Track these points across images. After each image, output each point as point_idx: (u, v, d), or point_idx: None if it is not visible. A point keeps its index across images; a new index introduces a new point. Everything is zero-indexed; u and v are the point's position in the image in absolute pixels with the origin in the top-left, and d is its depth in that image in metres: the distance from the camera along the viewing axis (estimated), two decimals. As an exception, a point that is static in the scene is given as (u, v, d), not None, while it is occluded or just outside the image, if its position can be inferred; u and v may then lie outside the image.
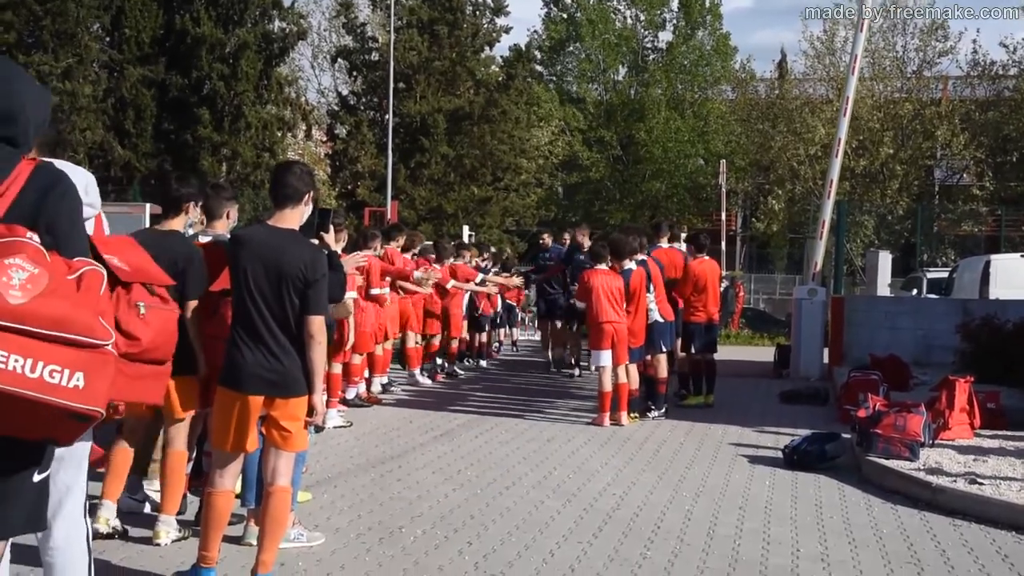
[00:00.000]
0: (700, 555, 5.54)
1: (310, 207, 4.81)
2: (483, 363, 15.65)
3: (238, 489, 5.12)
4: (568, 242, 14.74)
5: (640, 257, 10.23)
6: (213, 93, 24.96)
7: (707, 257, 11.46)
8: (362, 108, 31.54)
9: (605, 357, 9.78)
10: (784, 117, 36.51)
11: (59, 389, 2.45)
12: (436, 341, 13.23)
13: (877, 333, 13.73)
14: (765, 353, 17.90)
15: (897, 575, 5.27)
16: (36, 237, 2.62)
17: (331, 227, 5.65)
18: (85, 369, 2.50)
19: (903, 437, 7.53)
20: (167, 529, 5.41)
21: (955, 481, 6.87)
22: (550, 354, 15.09)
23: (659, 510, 6.52)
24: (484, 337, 15.87)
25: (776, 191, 36.11)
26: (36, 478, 2.76)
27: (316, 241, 5.07)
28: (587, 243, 13.06)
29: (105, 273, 2.72)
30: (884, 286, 18.77)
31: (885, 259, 18.93)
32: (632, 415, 10.11)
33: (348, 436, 8.88)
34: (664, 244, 11.80)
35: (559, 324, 14.69)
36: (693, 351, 11.41)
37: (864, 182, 34.51)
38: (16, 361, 2.41)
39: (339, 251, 6.12)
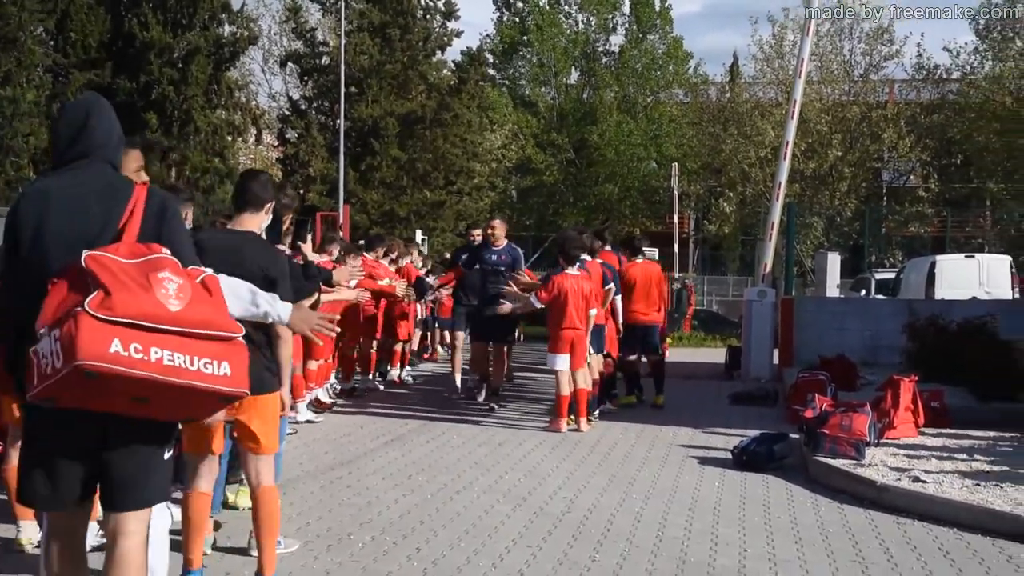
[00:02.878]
0: (649, 557, 5.56)
1: (270, 216, 4.93)
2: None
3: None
4: (477, 239, 11.92)
5: (584, 257, 10.25)
6: (162, 98, 24.69)
7: (641, 260, 11.57)
8: (313, 112, 31.37)
9: (563, 361, 9.75)
10: (735, 120, 36.90)
11: (213, 377, 3.02)
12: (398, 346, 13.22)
13: (826, 334, 13.89)
14: (717, 355, 18.06)
15: (842, 573, 5.33)
16: (168, 252, 3.14)
17: (308, 237, 5.69)
18: (229, 358, 3.07)
19: (849, 437, 7.62)
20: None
21: (899, 479, 6.96)
22: (457, 377, 12.41)
23: (609, 512, 6.54)
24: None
25: (727, 193, 36.49)
26: (166, 456, 3.32)
27: (290, 251, 5.11)
28: (500, 239, 11.15)
29: (218, 278, 3.26)
30: (833, 287, 19.01)
31: (834, 260, 19.17)
32: (590, 418, 10.13)
33: (297, 442, 8.81)
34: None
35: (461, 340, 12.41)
36: (628, 353, 11.52)
37: (813, 184, 34.97)
38: (180, 357, 2.95)
39: (316, 260, 6.17)
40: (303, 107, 31.95)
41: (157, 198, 3.33)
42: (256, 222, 4.82)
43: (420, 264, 14.21)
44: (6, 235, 3.34)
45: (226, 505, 6.26)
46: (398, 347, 13.33)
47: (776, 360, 14.80)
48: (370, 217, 28.60)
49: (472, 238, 12.26)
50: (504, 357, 11.48)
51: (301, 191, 30.04)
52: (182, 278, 3.06)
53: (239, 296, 3.95)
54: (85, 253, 3.00)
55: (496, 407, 10.90)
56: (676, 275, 29.29)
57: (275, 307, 4.12)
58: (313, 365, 10.15)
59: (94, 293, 2.91)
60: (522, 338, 20.03)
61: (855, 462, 7.47)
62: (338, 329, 5.12)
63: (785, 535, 6.07)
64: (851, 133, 35.32)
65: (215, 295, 3.16)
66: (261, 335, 4.61)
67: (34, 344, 2.99)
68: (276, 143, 33.94)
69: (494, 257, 11.09)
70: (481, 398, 11.30)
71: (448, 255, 17.63)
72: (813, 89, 33.56)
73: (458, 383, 12.25)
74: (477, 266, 11.35)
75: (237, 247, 4.62)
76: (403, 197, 29.95)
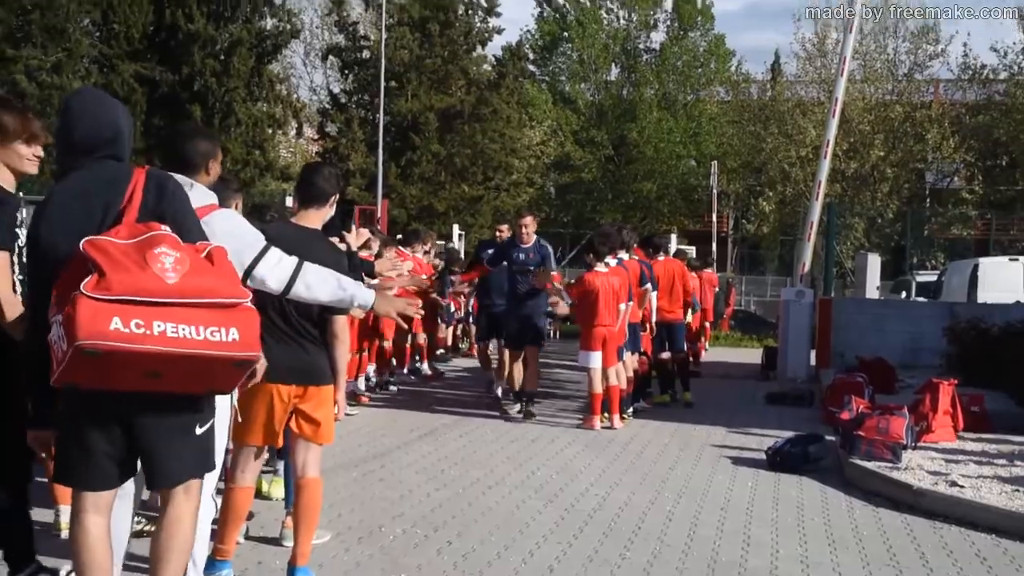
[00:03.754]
0: (680, 556, 5.53)
1: (334, 210, 4.88)
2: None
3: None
4: (504, 236, 11.20)
5: (622, 255, 10.24)
6: (204, 89, 24.87)
7: (663, 257, 11.57)
8: (353, 106, 31.47)
9: (595, 359, 9.73)
10: (776, 119, 36.57)
11: (222, 344, 3.07)
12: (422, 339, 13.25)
13: (864, 335, 13.75)
14: (753, 355, 17.93)
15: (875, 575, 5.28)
16: (168, 228, 3.23)
17: (352, 227, 5.68)
18: (237, 324, 3.12)
19: (885, 440, 7.53)
20: None
21: (936, 484, 6.87)
22: (497, 385, 11.49)
23: (640, 511, 6.51)
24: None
25: (767, 193, 36.17)
26: (199, 431, 3.39)
27: (337, 240, 5.11)
28: (530, 236, 10.36)
29: (227, 248, 3.32)
30: (873, 288, 18.78)
31: (874, 261, 18.92)
32: (624, 416, 10.11)
33: (332, 434, 8.84)
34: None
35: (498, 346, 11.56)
36: (661, 351, 11.60)
37: (854, 185, 34.57)
38: (184, 328, 3.01)
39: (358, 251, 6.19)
40: (343, 101, 32.06)
41: (155, 178, 3.43)
42: (321, 217, 4.80)
43: (428, 258, 13.31)
44: (28, 234, 3.50)
45: (258, 495, 6.29)
46: (422, 340, 13.32)
47: (813, 361, 14.67)
48: (408, 212, 28.66)
49: (499, 233, 11.50)
50: (535, 361, 10.41)
51: (340, 184, 30.15)
52: (179, 251, 3.13)
53: (325, 280, 4.11)
54: (84, 240, 3.10)
55: (534, 414, 10.18)
56: (718, 275, 29.08)
57: (361, 292, 4.25)
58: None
59: (90, 276, 3.01)
60: (557, 335, 20.04)
61: (891, 465, 7.38)
62: (422, 312, 5.17)
63: (818, 537, 6.01)
64: (894, 133, 34.86)
65: (218, 264, 3.22)
66: (321, 328, 4.69)
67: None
68: (316, 136, 34.10)
69: (522, 256, 10.27)
70: (515, 410, 10.30)
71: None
72: (856, 88, 33.19)
73: (497, 388, 11.46)
74: (504, 264, 10.58)
75: (304, 244, 4.58)
76: (441, 192, 29.99)
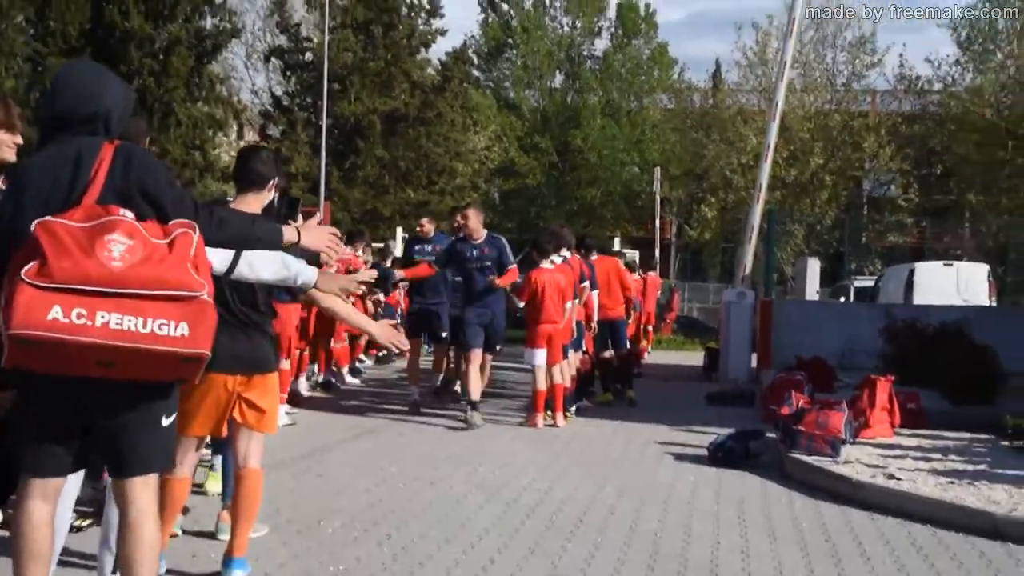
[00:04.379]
0: (621, 548, 5.50)
1: (272, 194, 4.74)
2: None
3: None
4: (426, 231, 11.15)
5: (564, 253, 10.23)
6: (142, 89, 24.37)
7: (596, 256, 11.60)
8: (296, 108, 31.19)
9: (540, 356, 9.71)
10: (717, 126, 36.94)
11: (168, 339, 2.95)
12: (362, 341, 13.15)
13: (804, 337, 13.85)
14: (695, 358, 18.04)
15: (815, 566, 5.28)
16: (129, 213, 3.08)
17: (299, 216, 5.56)
18: (187, 318, 2.98)
19: (825, 434, 7.59)
20: None
21: (874, 476, 6.93)
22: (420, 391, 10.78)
23: (582, 505, 6.48)
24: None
25: (709, 199, 36.50)
26: (165, 422, 3.28)
27: None
28: (479, 231, 9.78)
29: (196, 234, 3.13)
30: (813, 293, 19.01)
31: (814, 266, 19.16)
32: (567, 414, 10.09)
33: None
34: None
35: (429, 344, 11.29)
36: (603, 350, 11.66)
37: (795, 192, 35.00)
38: (129, 320, 2.89)
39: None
40: (286, 103, 31.76)
41: (122, 153, 3.24)
42: (260, 201, 4.66)
43: (364, 257, 12.99)
44: None
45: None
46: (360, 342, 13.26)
47: (754, 363, 14.79)
48: (352, 215, 28.43)
49: (419, 229, 11.18)
50: (488, 366, 10.09)
51: (283, 187, 29.82)
52: (134, 239, 3.00)
53: (268, 259, 3.99)
54: (36, 221, 2.98)
55: (478, 423, 9.43)
56: (663, 280, 29.24)
57: (304, 269, 4.19)
58: (285, 364, 9.80)
59: (33, 262, 2.90)
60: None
61: (830, 459, 7.44)
62: (364, 288, 5.08)
63: (759, 529, 6.02)
64: (833, 141, 35.36)
65: (177, 253, 3.06)
66: (265, 316, 4.61)
67: None
68: (258, 139, 33.75)
69: (476, 252, 9.67)
70: (477, 417, 9.48)
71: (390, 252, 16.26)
72: (796, 97, 33.61)
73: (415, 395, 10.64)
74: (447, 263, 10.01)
75: None
76: (386, 196, 29.81)
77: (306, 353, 11.04)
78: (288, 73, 32.18)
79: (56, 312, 2.84)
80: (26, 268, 2.88)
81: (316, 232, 4.13)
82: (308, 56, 31.40)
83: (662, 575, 5.07)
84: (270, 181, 4.69)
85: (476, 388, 9.65)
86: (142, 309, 2.92)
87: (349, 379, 12.69)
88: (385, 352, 15.56)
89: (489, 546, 5.44)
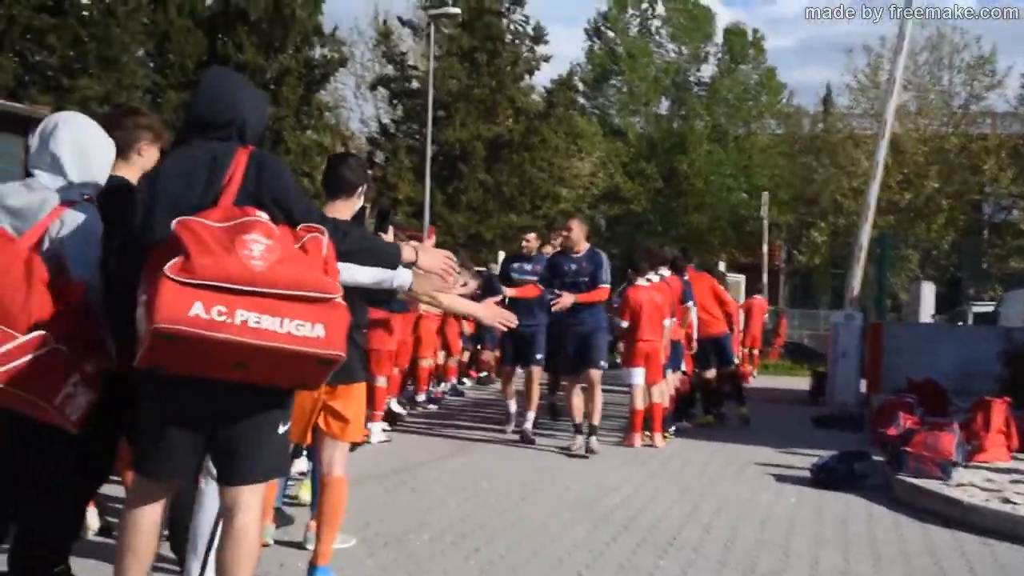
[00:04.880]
0: (715, 566, 5.31)
1: (361, 201, 4.74)
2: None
3: None
4: (531, 247, 10.28)
5: (663, 272, 10.06)
6: (254, 118, 25.15)
7: (691, 272, 11.37)
8: (401, 135, 31.64)
9: (638, 375, 9.54)
10: (827, 150, 36.21)
11: (306, 339, 2.92)
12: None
13: (915, 360, 13.31)
14: (802, 383, 17.55)
15: (921, 590, 5.01)
16: (264, 215, 3.08)
17: (389, 228, 5.53)
18: (324, 319, 2.96)
19: (934, 456, 7.24)
20: None
21: (988, 500, 6.57)
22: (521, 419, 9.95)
23: (677, 522, 6.29)
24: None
25: (819, 224, 35.73)
26: (281, 429, 3.28)
27: None
28: (581, 244, 9.25)
29: (325, 238, 3.14)
30: (927, 317, 18.34)
31: (928, 290, 18.49)
32: (665, 434, 9.89)
33: (361, 449, 8.71)
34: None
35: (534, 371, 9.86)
36: (703, 369, 11.42)
37: (909, 216, 34.01)
38: (268, 320, 2.87)
39: None
40: (391, 131, 32.25)
41: (256, 159, 3.28)
42: (349, 208, 4.65)
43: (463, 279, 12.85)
44: (116, 228, 3.35)
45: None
46: (452, 362, 13.18)
47: (863, 388, 14.29)
48: (455, 240, 28.64)
49: (525, 243, 10.34)
50: (598, 385, 9.09)
51: (391, 212, 30.23)
52: (272, 239, 2.99)
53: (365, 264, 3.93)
54: (176, 220, 2.98)
55: (595, 450, 8.86)
56: (771, 307, 28.65)
57: (399, 273, 4.15)
58: (382, 382, 9.50)
59: (176, 258, 2.88)
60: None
61: (941, 482, 7.08)
62: (461, 287, 5.03)
63: (861, 551, 5.75)
64: (949, 164, 34.28)
65: (312, 255, 3.06)
66: (355, 326, 4.55)
67: None
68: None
69: (574, 267, 9.07)
70: (576, 446, 8.98)
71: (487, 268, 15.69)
72: (910, 120, 32.75)
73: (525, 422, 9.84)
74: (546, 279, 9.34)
75: None
76: (489, 220, 29.97)
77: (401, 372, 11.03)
78: (395, 101, 32.69)
79: (198, 308, 2.83)
80: (169, 264, 2.87)
81: (433, 254, 4.16)
82: (414, 84, 31.86)
83: (756, 594, 4.86)
84: (359, 188, 4.69)
85: (579, 411, 9.15)
86: (279, 309, 2.90)
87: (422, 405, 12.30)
88: (485, 374, 15.61)
89: (578, 561, 5.31)
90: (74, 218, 3.43)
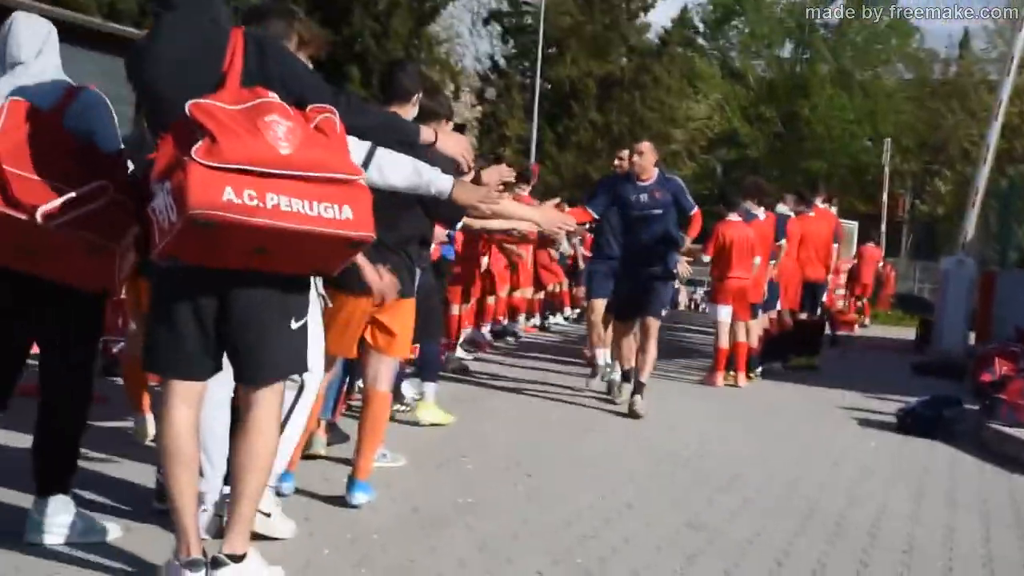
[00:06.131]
0: (772, 504, 5.03)
1: (416, 109, 4.60)
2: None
3: None
4: (625, 167, 8.04)
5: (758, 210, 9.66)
6: (364, 51, 25.17)
7: (814, 211, 10.91)
8: (512, 72, 31.38)
9: (724, 312, 9.24)
10: (958, 96, 34.58)
11: (336, 222, 2.84)
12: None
13: (1031, 311, 12.57)
14: (912, 333, 16.88)
15: (993, 535, 4.66)
16: (276, 96, 2.95)
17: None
18: (350, 201, 2.88)
19: (1030, 404, 6.79)
20: None
21: (1083, 451, 6.13)
22: (597, 355, 8.45)
23: (742, 461, 5.99)
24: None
25: (945, 173, 34.25)
26: (294, 325, 3.15)
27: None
28: (650, 171, 7.56)
29: (336, 118, 3.02)
30: (1056, 270, 17.27)
31: (1057, 241, 17.42)
32: (751, 375, 9.58)
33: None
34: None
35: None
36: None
37: (1042, 165, 32.28)
38: (297, 203, 2.78)
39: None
40: (503, 67, 32.00)
41: (253, 40, 3.14)
42: (405, 115, 4.46)
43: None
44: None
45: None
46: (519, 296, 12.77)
47: (972, 339, 13.59)
48: (562, 178, 28.41)
49: (618, 163, 8.44)
50: (654, 338, 7.52)
51: (499, 150, 30.11)
52: (291, 121, 2.88)
53: (401, 164, 3.67)
54: (189, 103, 2.83)
55: (640, 414, 7.26)
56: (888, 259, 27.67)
57: (438, 179, 3.76)
58: (455, 309, 9.53)
59: (201, 141, 2.75)
60: (703, 307, 19.40)
61: (1035, 431, 6.64)
62: (505, 199, 4.76)
63: (937, 497, 5.40)
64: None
65: (331, 137, 2.97)
66: (406, 240, 4.47)
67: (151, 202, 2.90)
68: (475, 102, 34.17)
69: (643, 196, 7.49)
70: (620, 398, 7.77)
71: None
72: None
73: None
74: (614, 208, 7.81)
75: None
76: (597, 160, 29.59)
77: (487, 303, 10.91)
78: (507, 37, 32.39)
79: (229, 193, 2.71)
80: (195, 148, 2.74)
81: (453, 137, 4.03)
82: (527, 19, 31.49)
83: (810, 530, 4.58)
84: (414, 95, 4.56)
85: (628, 359, 7.86)
86: (307, 192, 2.81)
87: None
88: (580, 310, 15.33)
89: (629, 493, 5.10)
90: (89, 99, 3.45)
